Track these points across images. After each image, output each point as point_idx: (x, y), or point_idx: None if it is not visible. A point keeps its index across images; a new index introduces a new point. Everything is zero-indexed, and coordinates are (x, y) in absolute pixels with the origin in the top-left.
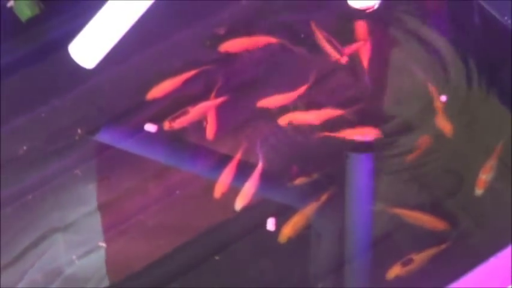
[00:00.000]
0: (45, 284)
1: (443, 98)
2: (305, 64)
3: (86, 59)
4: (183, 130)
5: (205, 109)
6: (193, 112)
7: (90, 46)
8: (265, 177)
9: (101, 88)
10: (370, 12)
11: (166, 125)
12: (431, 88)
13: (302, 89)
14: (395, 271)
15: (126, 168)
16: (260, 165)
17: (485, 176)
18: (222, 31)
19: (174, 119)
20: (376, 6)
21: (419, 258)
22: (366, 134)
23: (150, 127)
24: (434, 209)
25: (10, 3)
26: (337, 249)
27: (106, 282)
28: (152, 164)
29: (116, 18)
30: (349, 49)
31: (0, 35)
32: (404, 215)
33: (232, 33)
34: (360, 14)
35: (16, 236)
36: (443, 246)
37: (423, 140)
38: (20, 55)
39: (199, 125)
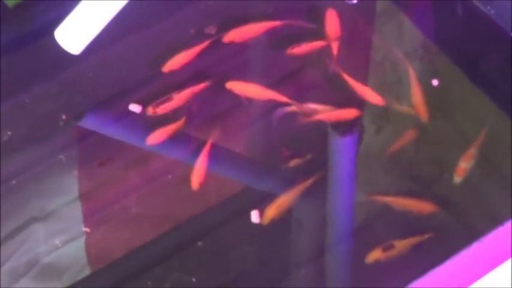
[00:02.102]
0: (24, 272)
1: (435, 82)
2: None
3: (72, 44)
4: (167, 116)
5: (190, 95)
6: (178, 98)
7: (76, 32)
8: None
9: (85, 74)
10: (355, 3)
11: (150, 110)
12: (413, 76)
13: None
14: (375, 255)
15: (110, 154)
16: (209, 143)
17: (464, 164)
18: (212, 30)
19: (158, 105)
20: None
21: (401, 244)
22: (346, 115)
23: (135, 107)
24: (415, 196)
25: None
26: (321, 234)
27: (87, 270)
28: (136, 149)
29: (102, 4)
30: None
31: None
32: (387, 202)
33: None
34: (345, 4)
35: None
36: (426, 236)
37: (405, 129)
38: (5, 41)
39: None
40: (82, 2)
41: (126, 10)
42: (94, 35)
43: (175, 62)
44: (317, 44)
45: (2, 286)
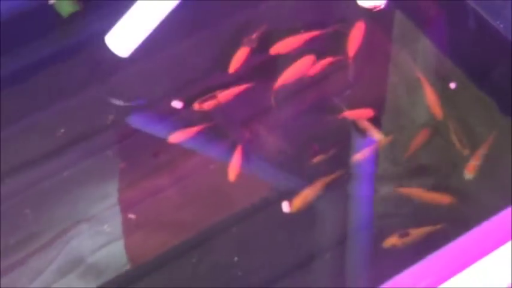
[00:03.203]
0: (70, 270)
1: (453, 85)
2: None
3: (121, 48)
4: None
5: (232, 95)
6: (221, 96)
7: (125, 36)
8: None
9: (132, 78)
10: (377, 11)
11: (196, 106)
12: (427, 84)
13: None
14: (392, 241)
15: (153, 150)
16: (245, 139)
17: (474, 162)
18: (253, 42)
19: (203, 101)
20: (383, 6)
21: (416, 232)
22: (361, 114)
23: (177, 104)
24: (431, 190)
25: (51, 1)
26: (344, 223)
27: (127, 268)
28: (177, 146)
29: (148, 12)
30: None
31: (42, 30)
32: (407, 194)
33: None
34: (368, 13)
35: (48, 221)
36: (438, 226)
37: (421, 131)
38: (60, 48)
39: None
40: (130, 10)
41: (168, 18)
42: (141, 39)
43: (237, 61)
44: (329, 61)
45: (49, 284)
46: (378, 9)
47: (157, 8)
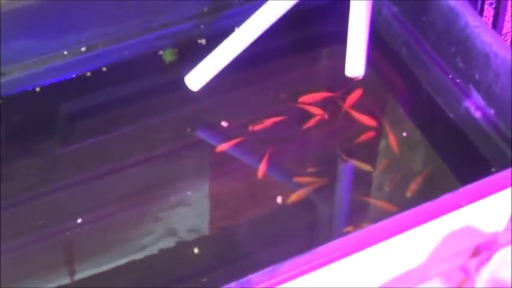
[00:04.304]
0: (173, 233)
1: (404, 133)
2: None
3: (193, 85)
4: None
5: (273, 122)
6: (266, 122)
7: (195, 78)
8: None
9: (205, 107)
10: (357, 81)
11: (250, 128)
12: (390, 131)
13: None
14: (348, 229)
15: (209, 153)
16: (267, 154)
17: (413, 186)
18: (288, 94)
19: (254, 125)
20: (360, 77)
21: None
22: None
23: (224, 123)
24: (383, 200)
25: (160, 52)
26: (323, 214)
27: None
28: (224, 153)
29: (213, 64)
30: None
31: (153, 71)
32: (365, 200)
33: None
34: (351, 81)
35: (151, 205)
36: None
37: (383, 161)
38: (162, 84)
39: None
40: (201, 63)
41: (230, 70)
42: (206, 81)
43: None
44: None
45: (156, 240)
46: (357, 79)
47: (218, 63)
